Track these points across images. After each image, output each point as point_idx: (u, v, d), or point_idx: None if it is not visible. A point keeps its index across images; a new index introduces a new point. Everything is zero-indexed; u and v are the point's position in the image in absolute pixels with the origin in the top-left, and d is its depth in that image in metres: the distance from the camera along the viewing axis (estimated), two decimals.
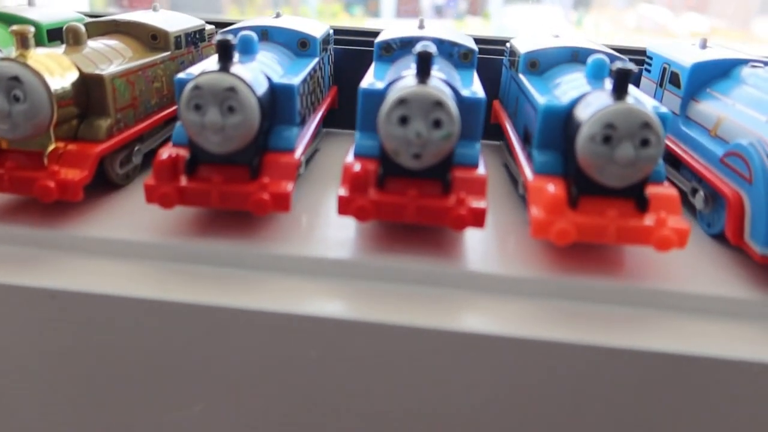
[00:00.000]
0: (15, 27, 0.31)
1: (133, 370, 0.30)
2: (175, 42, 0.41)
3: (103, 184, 0.36)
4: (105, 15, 0.45)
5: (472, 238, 0.34)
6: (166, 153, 0.31)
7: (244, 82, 0.30)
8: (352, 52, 0.50)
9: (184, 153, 0.32)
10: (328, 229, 0.34)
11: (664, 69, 0.41)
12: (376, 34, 0.52)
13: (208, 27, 0.46)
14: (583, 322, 0.28)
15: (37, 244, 0.32)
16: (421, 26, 0.44)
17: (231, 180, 0.31)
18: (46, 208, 0.34)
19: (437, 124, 0.29)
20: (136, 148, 0.37)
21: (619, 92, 0.29)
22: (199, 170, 0.32)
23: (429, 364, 0.28)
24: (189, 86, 0.30)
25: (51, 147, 0.32)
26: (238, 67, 0.31)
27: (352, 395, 0.29)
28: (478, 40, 0.44)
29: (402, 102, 0.29)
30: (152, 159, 0.31)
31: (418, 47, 0.33)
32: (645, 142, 0.28)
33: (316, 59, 0.40)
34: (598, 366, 0.27)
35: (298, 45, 0.41)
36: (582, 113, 0.30)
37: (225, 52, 0.31)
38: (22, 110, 0.30)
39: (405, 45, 0.40)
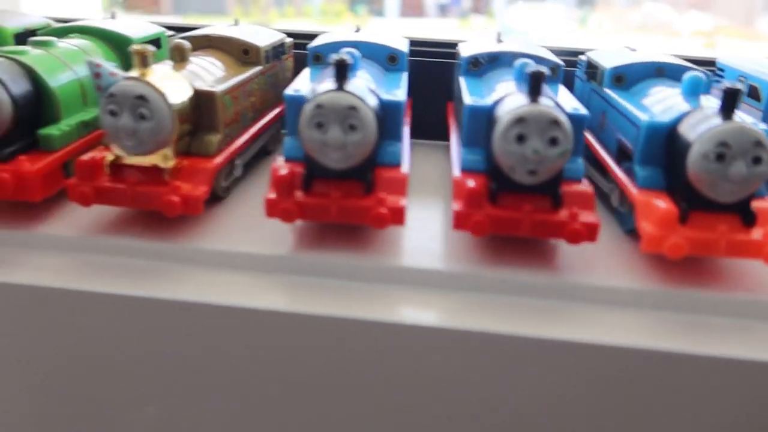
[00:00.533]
0: (136, 47, 0.32)
1: (262, 381, 0.31)
2: (265, 56, 0.42)
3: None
4: (191, 28, 0.46)
5: (580, 249, 0.35)
6: (284, 168, 0.32)
7: (364, 101, 0.31)
8: (422, 63, 0.51)
9: (299, 168, 0.33)
10: (432, 243, 0.35)
11: (740, 82, 0.42)
12: (445, 45, 0.54)
13: (287, 40, 0.47)
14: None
15: (159, 257, 0.33)
16: (499, 40, 0.45)
17: (348, 195, 0.32)
18: (154, 221, 0.35)
19: (553, 141, 0.30)
20: (237, 161, 0.38)
21: (728, 111, 0.30)
22: (315, 185, 0.33)
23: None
24: (311, 105, 0.31)
25: (171, 162, 0.33)
26: (355, 86, 0.32)
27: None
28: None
29: (520, 121, 0.30)
30: (264, 172, 0.33)
31: (525, 65, 0.35)
32: (757, 160, 0.30)
33: (406, 74, 0.41)
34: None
35: (387, 60, 0.42)
36: (690, 131, 0.31)
37: (342, 72, 0.32)
38: (148, 128, 0.31)
39: (492, 60, 0.41)
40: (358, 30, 0.46)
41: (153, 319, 0.31)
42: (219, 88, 0.35)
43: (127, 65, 0.42)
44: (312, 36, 0.48)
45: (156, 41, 0.45)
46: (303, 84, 0.37)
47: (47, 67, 0.35)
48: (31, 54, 0.35)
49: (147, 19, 0.49)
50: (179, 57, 0.36)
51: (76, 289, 0.31)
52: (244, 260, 0.33)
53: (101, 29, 0.42)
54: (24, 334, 0.32)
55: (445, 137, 0.50)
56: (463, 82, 0.39)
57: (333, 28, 0.51)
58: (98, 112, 0.31)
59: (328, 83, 0.32)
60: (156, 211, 0.33)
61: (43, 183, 0.33)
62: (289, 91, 0.35)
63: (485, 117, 0.34)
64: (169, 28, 0.49)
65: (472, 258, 0.33)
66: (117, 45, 0.42)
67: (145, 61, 0.32)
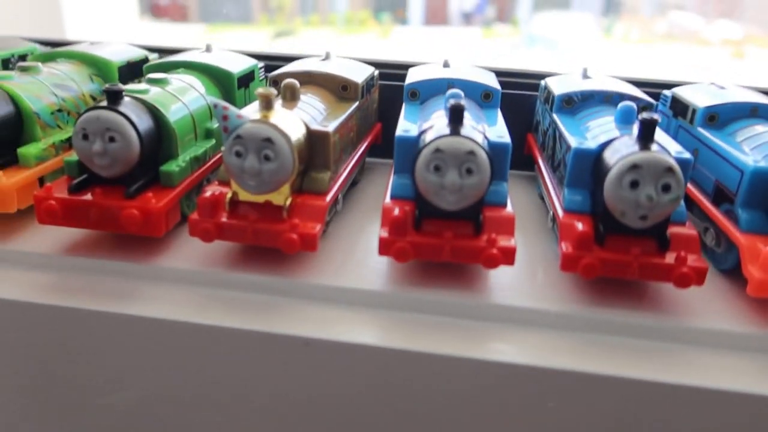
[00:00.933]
0: (261, 90, 0.34)
1: (379, 417, 0.32)
2: (361, 91, 0.43)
3: None
4: (276, 57, 0.47)
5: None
6: (397, 209, 0.34)
7: (481, 145, 0.32)
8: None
9: (409, 207, 0.34)
10: (534, 282, 0.36)
11: None
12: (525, 75, 0.54)
13: (376, 73, 0.49)
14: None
15: (278, 292, 0.34)
16: (586, 75, 0.46)
17: (460, 235, 0.33)
18: (258, 254, 0.36)
19: (666, 188, 0.31)
20: (340, 196, 0.40)
21: None
22: (425, 225, 0.34)
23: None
24: (429, 149, 0.32)
25: (289, 200, 0.34)
26: (469, 130, 0.33)
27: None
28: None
29: (634, 167, 0.31)
30: (352, 203, 0.34)
31: (629, 109, 0.36)
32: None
33: (498, 110, 0.42)
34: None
35: (482, 96, 0.43)
36: None
37: (458, 116, 0.33)
38: (272, 168, 0.32)
39: (586, 98, 0.42)
40: (446, 65, 0.47)
41: (268, 354, 0.32)
42: (331, 127, 0.36)
43: (227, 98, 0.44)
44: (377, 64, 0.50)
45: (251, 73, 0.47)
46: (407, 123, 0.38)
47: (167, 105, 0.37)
48: (152, 92, 0.37)
49: (228, 46, 0.51)
50: (290, 96, 0.38)
51: (195, 322, 0.32)
52: (353, 296, 0.34)
53: (204, 64, 0.44)
54: (145, 366, 0.34)
55: (522, 167, 0.52)
56: (558, 120, 0.40)
57: (423, 64, 0.53)
58: (223, 152, 0.33)
59: (441, 125, 0.33)
60: (271, 247, 0.34)
61: (166, 218, 0.35)
62: (399, 131, 0.36)
63: (591, 159, 0.35)
64: (258, 57, 0.50)
65: (576, 297, 0.34)
66: (219, 79, 0.44)
67: (269, 104, 0.34)
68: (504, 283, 0.35)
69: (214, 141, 0.40)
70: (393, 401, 0.32)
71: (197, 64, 0.44)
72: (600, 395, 0.30)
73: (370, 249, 0.38)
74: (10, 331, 0.34)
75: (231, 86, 0.44)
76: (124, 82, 0.47)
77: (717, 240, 0.38)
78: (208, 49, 0.48)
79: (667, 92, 0.47)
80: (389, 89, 0.52)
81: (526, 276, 0.36)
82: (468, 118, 0.36)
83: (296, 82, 0.38)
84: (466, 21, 7.22)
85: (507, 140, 0.35)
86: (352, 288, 0.34)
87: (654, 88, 0.49)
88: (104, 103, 0.34)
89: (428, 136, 0.33)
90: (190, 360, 0.33)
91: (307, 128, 0.36)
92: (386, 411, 0.33)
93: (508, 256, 0.33)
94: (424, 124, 0.37)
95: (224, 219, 0.34)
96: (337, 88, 0.43)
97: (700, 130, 0.40)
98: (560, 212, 0.35)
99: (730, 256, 0.36)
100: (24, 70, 0.41)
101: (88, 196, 0.35)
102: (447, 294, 0.34)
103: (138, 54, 0.49)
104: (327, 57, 0.47)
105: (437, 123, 0.35)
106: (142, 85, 0.38)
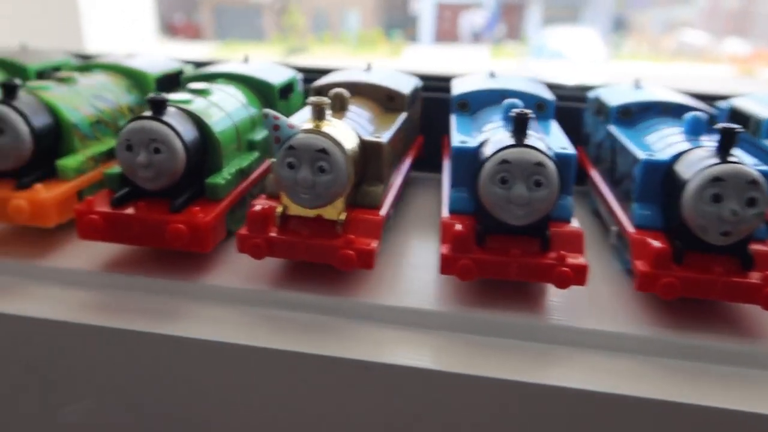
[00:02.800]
0: (314, 99, 0.32)
1: None
2: (408, 102, 0.42)
3: None
4: (315, 70, 0.46)
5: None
6: (459, 224, 0.32)
7: (549, 156, 0.30)
8: None
9: (469, 222, 0.32)
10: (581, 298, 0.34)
11: None
12: (573, 88, 0.53)
13: (419, 83, 0.47)
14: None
15: (329, 312, 0.32)
16: (638, 86, 0.44)
17: (527, 252, 0.31)
18: (310, 274, 0.34)
19: (751, 202, 0.29)
20: (392, 210, 0.38)
21: None
22: (489, 241, 0.32)
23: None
24: (495, 161, 0.30)
25: (343, 215, 0.32)
26: (536, 140, 0.31)
27: None
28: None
29: (717, 180, 0.29)
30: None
31: (698, 119, 0.34)
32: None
33: (554, 121, 0.41)
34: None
35: (536, 107, 0.41)
36: None
37: (524, 126, 0.31)
38: (327, 181, 0.31)
39: (644, 109, 0.40)
40: (492, 75, 0.45)
41: (323, 377, 0.30)
42: (385, 138, 0.34)
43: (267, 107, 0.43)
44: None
45: (290, 85, 0.46)
46: (461, 134, 0.36)
47: (211, 116, 0.35)
48: (197, 103, 0.35)
49: (263, 57, 0.49)
50: (339, 106, 0.36)
51: (242, 343, 0.30)
52: (409, 316, 0.32)
53: (245, 75, 0.43)
54: (190, 388, 0.32)
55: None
56: (617, 132, 0.38)
57: (466, 74, 0.51)
58: (274, 164, 0.31)
59: (503, 136, 0.32)
60: (327, 264, 0.32)
61: (214, 233, 0.33)
62: (456, 142, 0.34)
63: (662, 172, 0.33)
64: (300, 70, 0.49)
65: (648, 319, 0.32)
66: (259, 90, 0.43)
67: (321, 114, 0.32)
68: (564, 304, 0.33)
69: (257, 153, 0.39)
70: (450, 427, 0.30)
71: (237, 75, 0.43)
72: (678, 425, 0.28)
73: (420, 266, 0.36)
74: (44, 349, 0.32)
75: (272, 97, 0.43)
76: None
77: None
78: (246, 60, 0.47)
79: (722, 103, 0.45)
80: (429, 101, 0.50)
81: (589, 295, 0.34)
82: (532, 129, 0.34)
83: (346, 92, 0.36)
84: (476, 39, 7.27)
85: (572, 151, 0.33)
86: (406, 308, 0.32)
87: (699, 99, 0.47)
88: (148, 113, 0.33)
89: (489, 148, 0.31)
90: (236, 382, 0.31)
91: (360, 139, 0.34)
92: None
93: (579, 275, 0.31)
94: (479, 136, 0.35)
95: (275, 234, 0.32)
96: (383, 99, 0.41)
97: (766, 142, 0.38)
98: (630, 228, 0.33)
99: None
100: (61, 80, 0.39)
101: (131, 210, 0.33)
102: (507, 314, 0.32)
103: (174, 66, 0.48)
104: (369, 68, 0.46)
105: (497, 134, 0.33)
106: (186, 95, 0.36)
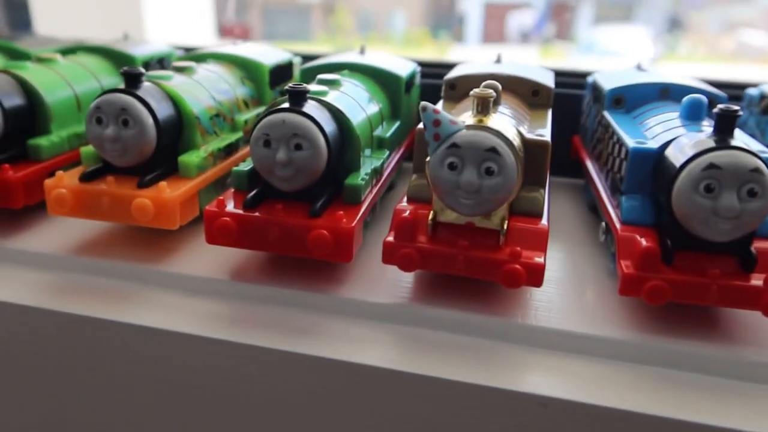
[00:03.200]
0: (477, 91, 0.28)
1: None
2: (553, 97, 0.37)
3: None
4: (436, 64, 0.42)
5: None
6: (644, 239, 0.27)
7: (763, 160, 0.25)
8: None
9: (651, 235, 0.28)
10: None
11: None
12: None
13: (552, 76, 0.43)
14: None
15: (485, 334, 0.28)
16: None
17: (727, 273, 0.27)
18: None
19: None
20: None
21: None
22: (679, 259, 0.27)
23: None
24: (699, 166, 0.25)
25: (506, 224, 0.28)
26: (743, 141, 0.26)
27: None
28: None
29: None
30: None
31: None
32: None
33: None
34: None
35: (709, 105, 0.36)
36: None
37: (731, 124, 0.26)
38: (495, 185, 0.27)
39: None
40: (640, 68, 0.41)
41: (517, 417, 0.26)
42: (547, 135, 0.30)
43: (393, 103, 0.39)
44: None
45: (413, 78, 0.42)
46: (634, 135, 0.32)
47: (348, 109, 0.32)
48: (331, 95, 0.32)
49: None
50: (493, 101, 0.32)
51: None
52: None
53: (370, 66, 0.39)
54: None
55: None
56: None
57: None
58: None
59: (702, 138, 0.27)
60: (489, 280, 0.28)
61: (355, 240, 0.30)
62: (633, 143, 0.30)
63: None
64: (422, 64, 0.45)
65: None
66: (384, 82, 0.39)
67: (486, 107, 0.28)
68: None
69: (387, 152, 0.35)
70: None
71: (362, 65, 0.39)
72: None
73: (564, 282, 0.32)
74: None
75: (398, 91, 0.39)
76: (273, 86, 0.42)
77: None
78: (362, 51, 0.44)
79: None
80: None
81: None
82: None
83: (498, 85, 0.32)
84: (524, 39, 7.13)
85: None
86: (558, 330, 0.28)
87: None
88: (286, 105, 0.29)
89: (684, 151, 0.27)
90: (369, 406, 0.28)
91: (523, 138, 0.30)
92: None
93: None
94: (656, 136, 0.31)
95: (426, 244, 0.28)
96: (528, 94, 0.37)
97: None
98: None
99: None
100: (179, 70, 0.37)
101: (267, 213, 0.30)
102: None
103: (285, 57, 0.44)
104: (499, 59, 0.42)
105: (689, 134, 0.28)
106: (321, 87, 0.33)
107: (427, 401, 0.26)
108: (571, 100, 0.45)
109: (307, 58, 0.47)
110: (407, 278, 0.32)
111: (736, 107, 0.26)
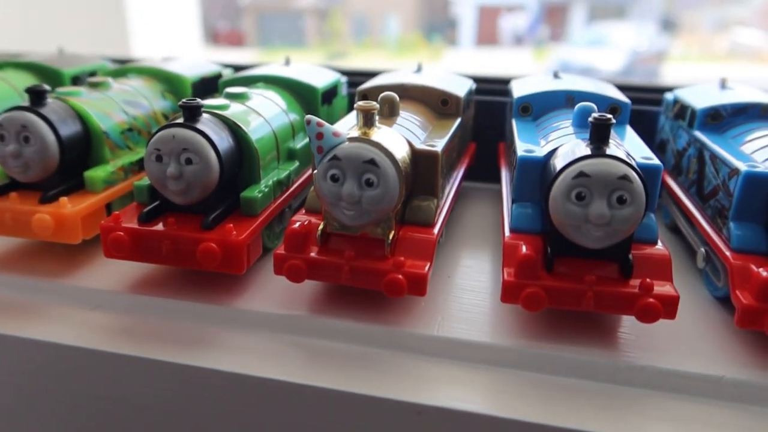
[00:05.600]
0: (362, 104, 0.28)
1: None
2: (463, 106, 0.38)
3: None
4: (362, 73, 0.42)
5: None
6: (524, 246, 0.28)
7: (636, 170, 0.26)
8: None
9: (536, 245, 0.28)
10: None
11: None
12: (649, 90, 0.48)
13: (474, 85, 0.43)
14: None
15: (373, 343, 0.29)
16: (723, 86, 0.39)
17: (603, 279, 0.27)
18: (354, 298, 0.31)
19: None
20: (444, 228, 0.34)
21: None
22: (559, 265, 0.28)
23: None
24: (570, 173, 0.26)
25: (392, 234, 0.29)
26: (617, 150, 0.27)
27: None
28: None
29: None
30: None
31: None
32: None
33: (629, 127, 0.36)
34: None
35: (608, 111, 0.36)
36: None
37: (605, 133, 0.27)
38: (375, 196, 0.27)
39: (738, 112, 0.35)
40: (557, 75, 0.41)
41: (370, 420, 0.26)
42: (440, 146, 0.31)
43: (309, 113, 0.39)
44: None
45: (334, 88, 0.43)
46: (525, 142, 0.32)
47: (249, 123, 0.32)
48: (233, 108, 0.32)
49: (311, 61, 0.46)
50: (389, 111, 0.33)
51: (274, 378, 0.27)
52: (465, 351, 0.28)
53: (286, 78, 0.39)
54: (216, 424, 0.29)
55: None
56: (707, 140, 0.34)
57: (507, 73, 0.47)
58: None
59: (582, 145, 0.27)
60: (372, 290, 0.29)
61: (248, 253, 0.30)
62: (521, 151, 0.30)
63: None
64: (344, 73, 0.46)
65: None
66: (301, 94, 0.39)
67: (370, 120, 0.28)
68: (641, 340, 0.29)
69: (297, 163, 0.36)
70: None
71: (278, 77, 0.40)
72: None
73: (477, 290, 0.32)
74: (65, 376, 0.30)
75: (314, 102, 0.39)
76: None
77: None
78: (287, 62, 0.44)
79: (668, 95, 0.41)
80: (481, 105, 0.46)
81: (456, 304, 0.31)
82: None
83: (395, 96, 0.33)
84: (518, 42, 7.14)
85: (657, 162, 0.29)
86: (458, 340, 0.28)
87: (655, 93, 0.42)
88: (180, 121, 0.30)
89: (562, 158, 0.27)
90: (263, 419, 0.28)
91: (412, 148, 0.30)
92: None
93: (670, 308, 0.26)
94: (546, 144, 0.31)
95: (315, 254, 0.29)
96: (436, 103, 0.37)
97: None
98: (727, 252, 0.29)
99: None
100: (93, 86, 0.37)
101: (160, 227, 0.30)
102: (578, 351, 0.28)
103: (212, 69, 0.45)
104: (419, 69, 0.42)
105: (571, 142, 0.28)
106: (222, 100, 0.33)
107: (315, 411, 0.27)
108: (494, 107, 0.46)
109: (238, 69, 0.48)
110: (308, 288, 0.32)
111: (609, 116, 0.27)
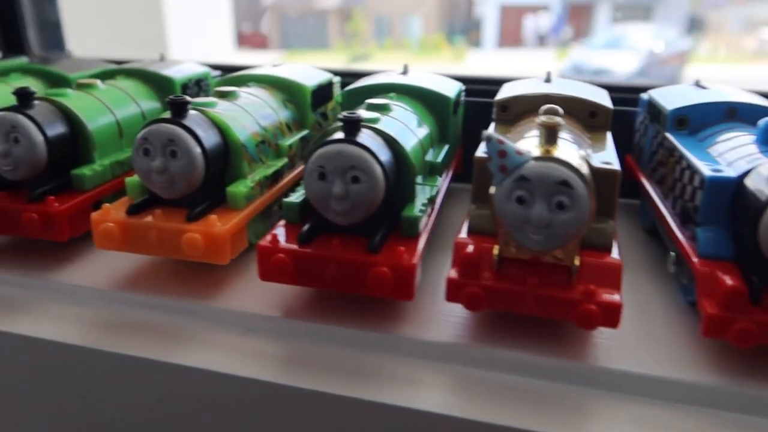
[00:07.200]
0: (544, 119, 0.26)
1: None
2: (612, 118, 0.36)
3: None
4: (478, 80, 0.40)
5: None
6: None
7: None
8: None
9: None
10: None
11: None
12: None
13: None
14: None
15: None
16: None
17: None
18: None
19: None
20: None
21: None
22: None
23: None
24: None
25: (577, 260, 0.27)
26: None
27: None
28: None
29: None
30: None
31: None
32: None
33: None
34: None
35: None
36: None
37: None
38: (566, 220, 0.25)
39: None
40: (698, 84, 0.39)
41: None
42: (616, 164, 0.29)
43: (441, 125, 0.37)
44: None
45: (460, 97, 0.41)
46: (704, 161, 0.30)
47: (406, 141, 0.30)
48: (383, 122, 0.31)
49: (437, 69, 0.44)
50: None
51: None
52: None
53: (417, 87, 0.38)
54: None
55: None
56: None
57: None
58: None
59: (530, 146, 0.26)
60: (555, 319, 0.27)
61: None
62: (710, 172, 0.28)
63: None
64: (464, 81, 0.44)
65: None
66: (432, 105, 0.37)
67: (553, 137, 0.26)
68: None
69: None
70: None
71: (408, 86, 0.38)
72: None
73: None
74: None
75: (447, 112, 0.38)
76: (315, 108, 0.41)
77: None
78: (405, 71, 0.42)
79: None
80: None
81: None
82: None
83: (560, 110, 0.31)
84: (541, 43, 7.08)
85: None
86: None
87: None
88: (340, 135, 0.28)
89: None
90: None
91: (591, 167, 0.28)
92: None
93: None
94: (732, 164, 0.29)
95: (493, 282, 0.27)
96: (585, 116, 0.35)
97: None
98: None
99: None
100: (222, 95, 0.36)
101: (319, 248, 0.28)
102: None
103: (325, 77, 0.43)
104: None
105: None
106: (371, 114, 0.31)
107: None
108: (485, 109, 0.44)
109: (342, 75, 0.46)
110: (458, 314, 0.30)
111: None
